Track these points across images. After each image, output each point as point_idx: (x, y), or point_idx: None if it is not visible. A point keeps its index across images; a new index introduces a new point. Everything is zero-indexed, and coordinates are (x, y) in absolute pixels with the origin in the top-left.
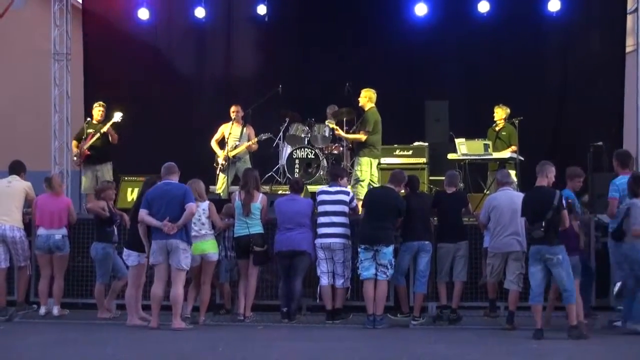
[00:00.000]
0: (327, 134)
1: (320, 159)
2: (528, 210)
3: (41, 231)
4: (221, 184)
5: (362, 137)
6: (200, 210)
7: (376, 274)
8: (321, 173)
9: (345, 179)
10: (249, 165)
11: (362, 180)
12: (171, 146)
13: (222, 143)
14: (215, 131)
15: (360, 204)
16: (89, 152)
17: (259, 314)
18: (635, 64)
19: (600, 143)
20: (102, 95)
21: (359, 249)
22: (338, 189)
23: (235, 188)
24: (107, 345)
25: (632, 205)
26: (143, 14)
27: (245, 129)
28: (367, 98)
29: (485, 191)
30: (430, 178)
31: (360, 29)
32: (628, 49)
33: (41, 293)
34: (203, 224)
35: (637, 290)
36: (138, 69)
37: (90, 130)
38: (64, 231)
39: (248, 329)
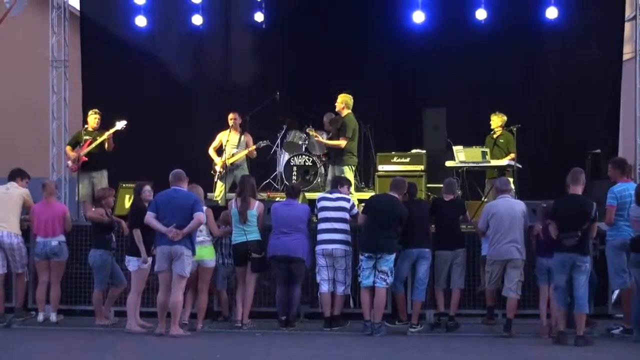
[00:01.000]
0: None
1: (318, 166)
2: (562, 217)
3: (39, 239)
4: (219, 191)
5: (341, 143)
6: None
7: (374, 281)
8: (319, 180)
9: (345, 187)
10: (247, 173)
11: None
12: (168, 153)
13: (219, 150)
14: (213, 138)
15: (360, 210)
16: (85, 159)
17: (256, 321)
18: (633, 72)
19: (598, 150)
20: (99, 102)
21: (360, 257)
22: (339, 195)
23: (233, 195)
24: (106, 352)
25: None
26: (141, 21)
27: (243, 136)
28: (344, 104)
29: (483, 199)
30: (428, 185)
31: (357, 36)
32: (626, 57)
33: (39, 300)
34: (201, 230)
35: None
36: (136, 76)
37: (87, 137)
38: (62, 237)
39: (246, 336)
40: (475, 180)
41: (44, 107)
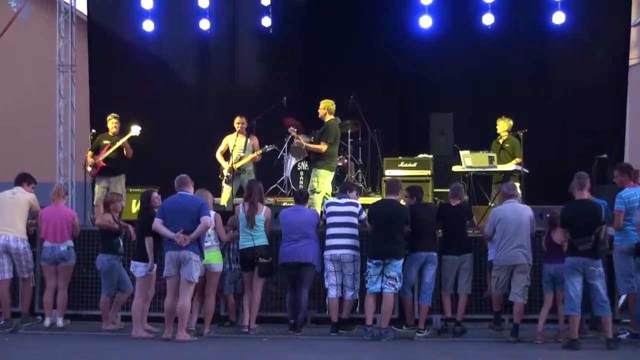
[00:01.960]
0: None
1: None
2: (573, 222)
3: (46, 244)
4: (226, 196)
5: (322, 147)
6: None
7: (382, 287)
8: None
9: (354, 192)
10: (254, 177)
11: (318, 192)
12: (175, 158)
13: (226, 155)
14: (220, 142)
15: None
16: (104, 164)
17: (263, 326)
18: (639, 77)
19: (604, 155)
20: (107, 107)
21: (368, 263)
22: (347, 200)
23: (240, 200)
24: (112, 356)
25: None
26: (148, 25)
27: (249, 140)
28: (326, 109)
29: (489, 203)
30: (435, 190)
31: (364, 41)
32: (632, 62)
33: (46, 304)
34: (209, 235)
35: None
36: (143, 80)
37: (106, 142)
38: (70, 243)
39: (253, 341)
40: (482, 185)
41: (50, 112)
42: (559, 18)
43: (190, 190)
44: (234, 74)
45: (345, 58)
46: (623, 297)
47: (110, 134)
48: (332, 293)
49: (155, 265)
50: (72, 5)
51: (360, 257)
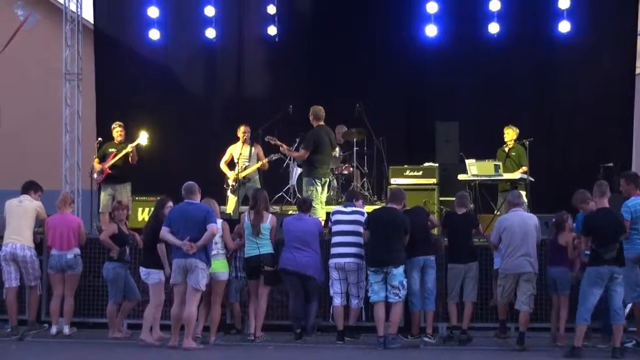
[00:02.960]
0: (337, 155)
1: (331, 179)
2: (599, 231)
3: (53, 251)
4: (231, 205)
5: (300, 154)
6: None
7: (387, 296)
8: (331, 193)
9: (360, 201)
10: (259, 186)
11: (312, 200)
12: (181, 166)
13: (231, 164)
14: (224, 151)
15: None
16: (110, 171)
17: (269, 334)
18: None
19: (610, 164)
20: (113, 115)
21: (368, 272)
22: (353, 209)
23: (246, 208)
24: None
25: None
26: (154, 34)
27: (253, 148)
28: (312, 115)
29: (495, 212)
30: (441, 199)
31: (370, 49)
32: (638, 70)
33: (53, 312)
34: (215, 243)
35: None
36: (149, 89)
37: (112, 150)
38: (77, 250)
39: (258, 349)
40: (487, 193)
41: (57, 120)
42: (564, 27)
43: (197, 199)
44: (240, 83)
45: (350, 67)
46: (629, 305)
47: (116, 142)
48: (337, 301)
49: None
50: (79, 13)
51: (365, 265)
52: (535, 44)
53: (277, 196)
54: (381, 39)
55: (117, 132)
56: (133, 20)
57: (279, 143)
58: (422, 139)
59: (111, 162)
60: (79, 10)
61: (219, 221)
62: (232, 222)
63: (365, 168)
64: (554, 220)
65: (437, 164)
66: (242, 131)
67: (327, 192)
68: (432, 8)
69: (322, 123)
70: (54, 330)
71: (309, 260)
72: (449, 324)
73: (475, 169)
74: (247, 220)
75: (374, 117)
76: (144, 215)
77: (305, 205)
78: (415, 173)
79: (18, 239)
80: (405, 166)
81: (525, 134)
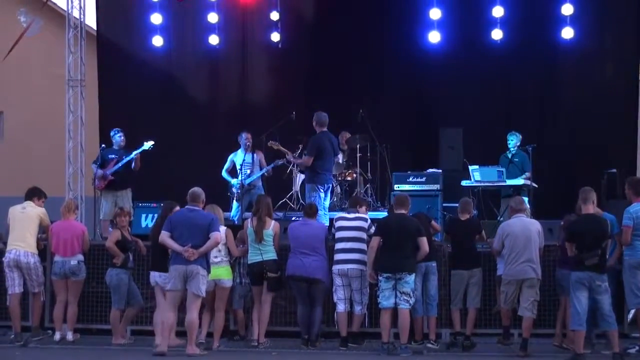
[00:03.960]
0: (340, 161)
1: (334, 185)
2: (581, 237)
3: (57, 258)
4: (236, 211)
5: (303, 161)
6: None
7: (396, 302)
8: (335, 199)
9: (364, 207)
10: (263, 192)
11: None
12: (185, 172)
13: (232, 171)
14: (227, 158)
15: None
16: (111, 178)
17: (272, 340)
18: None
19: (613, 170)
20: (116, 122)
21: (379, 278)
22: (357, 215)
23: (250, 214)
24: None
25: None
26: (157, 40)
27: (255, 155)
28: (315, 121)
29: (498, 218)
30: (444, 205)
31: (373, 55)
32: None
33: (56, 318)
34: (219, 250)
35: None
36: (152, 95)
37: (113, 156)
38: (80, 257)
39: (262, 355)
40: (491, 199)
41: (60, 127)
42: (567, 33)
43: (200, 206)
44: (243, 89)
45: (354, 73)
46: (632, 311)
47: (116, 148)
48: (341, 307)
49: None
50: (82, 20)
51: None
52: (539, 50)
53: (280, 202)
54: (384, 45)
55: (118, 138)
56: (136, 26)
57: (281, 149)
58: (426, 145)
59: (114, 168)
60: (81, 16)
61: (223, 228)
62: (236, 228)
63: (369, 174)
64: (561, 224)
65: (440, 170)
66: (246, 137)
67: (330, 199)
68: (435, 14)
69: (325, 129)
70: (57, 336)
71: (317, 265)
72: (453, 330)
73: (478, 175)
74: (250, 226)
75: (377, 123)
76: (147, 221)
77: (312, 211)
78: (419, 179)
79: (22, 245)
80: (409, 172)
81: (529, 140)
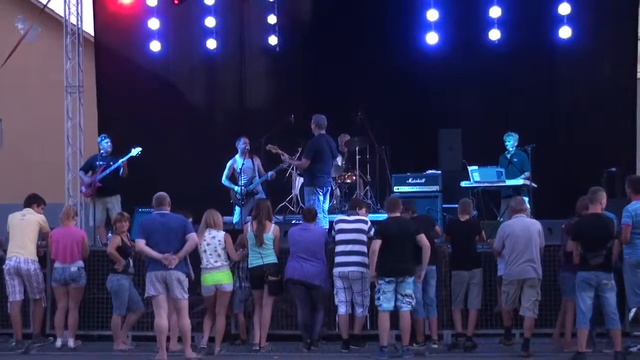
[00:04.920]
0: (340, 164)
1: (334, 188)
2: (586, 236)
3: (57, 264)
4: (238, 216)
5: (300, 163)
6: (216, 242)
7: (397, 305)
8: (334, 202)
9: (364, 209)
10: (263, 196)
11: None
12: (184, 177)
13: (232, 178)
14: (225, 163)
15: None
16: (99, 185)
17: (274, 343)
18: None
19: (613, 169)
20: (114, 127)
21: (380, 281)
22: (357, 217)
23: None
24: None
25: None
26: (155, 46)
27: (253, 160)
28: (314, 124)
29: (498, 218)
30: (444, 206)
31: (371, 58)
32: (639, 75)
33: (57, 325)
34: (219, 255)
35: None
36: (150, 100)
37: (101, 163)
38: (80, 263)
39: (263, 358)
40: (490, 200)
41: (58, 133)
42: (565, 32)
43: (167, 209)
44: (241, 93)
45: (352, 75)
46: (633, 310)
47: (104, 154)
48: (342, 310)
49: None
50: (79, 26)
51: (368, 274)
52: (536, 50)
53: (280, 205)
54: (382, 47)
55: (105, 144)
56: (133, 32)
57: (280, 152)
58: (425, 146)
59: (101, 175)
60: (79, 23)
61: (222, 233)
62: (237, 232)
63: (368, 176)
64: (563, 226)
65: (439, 171)
66: (242, 142)
67: (330, 201)
68: (432, 16)
69: (323, 132)
70: (58, 343)
71: (315, 271)
72: (454, 331)
73: (477, 176)
74: (250, 230)
75: (376, 125)
76: None
77: (311, 215)
78: (418, 180)
79: (21, 252)
80: (408, 174)
81: (527, 140)
